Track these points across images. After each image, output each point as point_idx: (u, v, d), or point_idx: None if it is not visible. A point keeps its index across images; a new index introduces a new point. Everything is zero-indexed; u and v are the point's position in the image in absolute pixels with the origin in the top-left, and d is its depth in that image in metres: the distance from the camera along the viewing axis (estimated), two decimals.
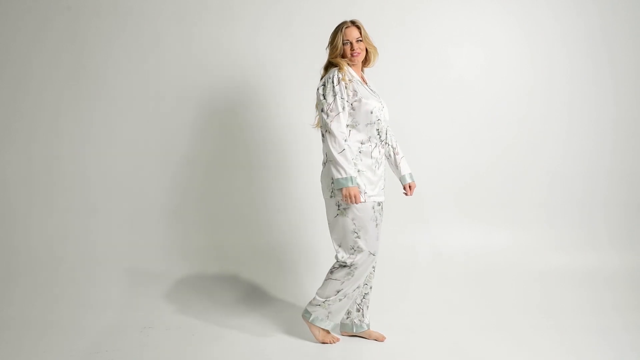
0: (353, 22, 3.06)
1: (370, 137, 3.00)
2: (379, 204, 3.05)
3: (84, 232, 4.16)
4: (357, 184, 2.92)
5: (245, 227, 4.23)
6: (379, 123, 3.01)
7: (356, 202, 2.88)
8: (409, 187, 3.21)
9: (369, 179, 2.99)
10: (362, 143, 2.99)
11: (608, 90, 4.39)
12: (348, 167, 2.87)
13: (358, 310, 3.20)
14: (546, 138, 4.39)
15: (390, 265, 4.12)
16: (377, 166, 3.02)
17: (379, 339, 3.18)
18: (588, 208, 4.40)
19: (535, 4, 4.34)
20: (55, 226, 4.15)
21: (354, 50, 3.03)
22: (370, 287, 3.22)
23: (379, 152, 3.04)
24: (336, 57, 3.04)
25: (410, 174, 3.22)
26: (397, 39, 4.28)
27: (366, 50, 3.08)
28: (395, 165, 3.20)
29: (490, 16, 4.35)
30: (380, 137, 3.04)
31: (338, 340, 3.17)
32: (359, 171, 2.96)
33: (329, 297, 3.06)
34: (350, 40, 3.03)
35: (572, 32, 4.36)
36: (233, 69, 4.21)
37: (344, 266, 3.02)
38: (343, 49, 3.03)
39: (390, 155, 3.19)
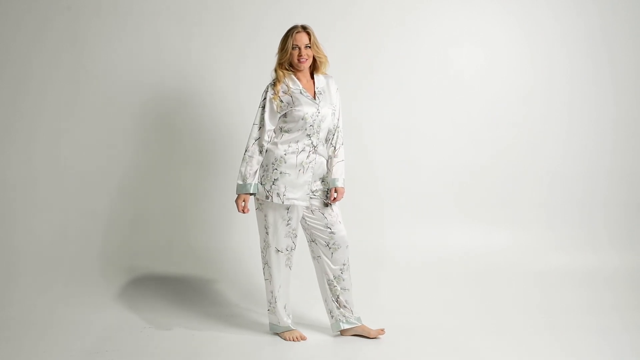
0: (304, 28, 3.05)
1: (298, 142, 3.04)
2: (305, 207, 3.09)
3: (84, 232, 4.15)
4: (249, 191, 3.05)
5: (245, 228, 4.22)
6: (311, 129, 3.03)
7: (241, 211, 3.08)
8: (335, 191, 3.11)
9: (291, 182, 3.03)
10: (289, 145, 3.04)
11: (608, 90, 4.38)
12: (241, 174, 3.06)
13: (338, 308, 3.18)
14: (546, 138, 4.39)
15: (389, 265, 4.13)
16: (303, 170, 3.04)
17: (380, 333, 3.16)
18: (588, 208, 4.39)
19: (535, 4, 4.33)
20: (55, 226, 4.15)
21: (301, 56, 3.03)
22: (341, 289, 3.15)
23: (308, 157, 3.05)
24: (284, 62, 3.06)
25: (341, 179, 3.14)
26: (397, 39, 4.27)
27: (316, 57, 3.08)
28: (329, 168, 3.16)
29: (490, 16, 4.34)
30: (312, 142, 3.05)
31: (305, 338, 3.17)
32: (280, 173, 3.02)
33: (270, 302, 3.20)
34: (299, 45, 3.03)
35: (572, 32, 4.35)
36: (233, 68, 4.21)
37: (265, 264, 3.18)
38: (291, 53, 3.03)
39: (329, 157, 3.16)
